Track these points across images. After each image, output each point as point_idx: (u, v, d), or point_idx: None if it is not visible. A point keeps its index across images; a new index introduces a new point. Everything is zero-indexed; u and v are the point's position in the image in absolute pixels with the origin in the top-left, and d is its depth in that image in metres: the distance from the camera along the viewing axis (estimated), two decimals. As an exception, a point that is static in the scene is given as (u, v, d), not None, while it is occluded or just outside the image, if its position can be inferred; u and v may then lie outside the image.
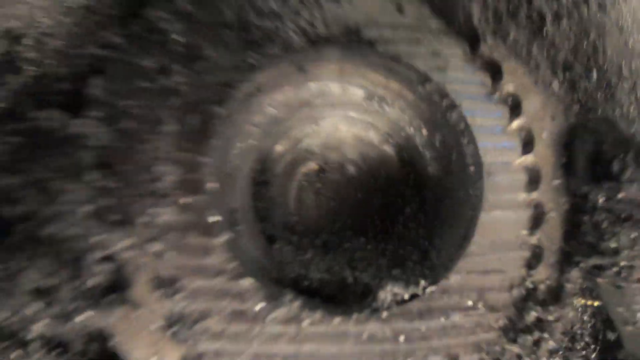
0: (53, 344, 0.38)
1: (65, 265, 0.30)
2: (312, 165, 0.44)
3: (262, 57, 0.33)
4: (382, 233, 0.42)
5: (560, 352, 0.45)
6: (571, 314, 0.41)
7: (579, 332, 0.47)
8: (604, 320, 0.46)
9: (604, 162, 0.40)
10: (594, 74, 0.45)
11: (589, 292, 0.45)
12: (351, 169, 0.44)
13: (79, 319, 0.31)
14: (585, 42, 0.52)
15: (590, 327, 0.47)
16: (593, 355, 0.46)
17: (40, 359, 0.37)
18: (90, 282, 0.30)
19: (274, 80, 0.36)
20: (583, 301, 0.46)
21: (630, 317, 0.42)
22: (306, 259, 0.39)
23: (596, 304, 0.46)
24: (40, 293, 0.31)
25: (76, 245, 0.30)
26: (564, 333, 0.47)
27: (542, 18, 0.53)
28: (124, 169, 0.32)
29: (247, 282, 0.32)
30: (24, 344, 0.38)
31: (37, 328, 0.32)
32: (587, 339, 0.47)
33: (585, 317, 0.47)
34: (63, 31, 0.47)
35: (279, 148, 0.42)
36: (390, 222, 0.43)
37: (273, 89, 0.37)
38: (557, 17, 0.54)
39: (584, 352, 0.46)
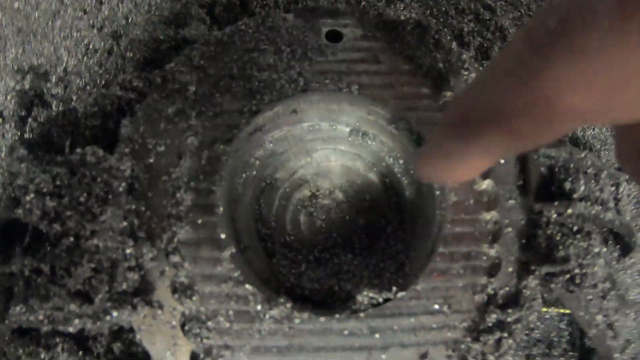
0: (79, 345, 0.43)
1: (101, 272, 0.37)
2: (306, 192, 0.49)
3: (262, 103, 0.40)
4: (366, 249, 0.47)
5: (522, 352, 0.50)
6: (532, 317, 0.44)
7: (555, 339, 0.51)
8: (580, 328, 0.49)
9: (557, 183, 0.45)
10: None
11: (559, 301, 0.49)
12: (340, 194, 0.50)
13: (110, 317, 0.36)
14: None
15: (567, 335, 0.51)
16: (571, 361, 0.50)
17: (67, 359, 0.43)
18: (121, 287, 0.37)
19: (272, 121, 0.43)
20: (556, 310, 0.50)
21: (592, 320, 0.45)
22: (300, 272, 0.44)
23: (567, 311, 0.50)
24: (78, 295, 0.37)
25: (111, 255, 0.36)
26: (539, 341, 0.52)
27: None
28: (150, 195, 0.38)
29: (249, 288, 0.37)
30: (52, 346, 0.44)
31: (74, 325, 0.37)
32: (564, 345, 0.51)
33: (562, 325, 0.51)
34: (87, 71, 0.53)
35: (276, 177, 0.47)
36: (374, 239, 0.49)
37: (272, 129, 0.44)
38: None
39: (562, 359, 0.51)
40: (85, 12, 0.55)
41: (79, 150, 0.40)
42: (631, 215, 0.55)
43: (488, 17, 0.61)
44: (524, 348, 0.50)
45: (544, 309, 0.50)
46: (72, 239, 0.37)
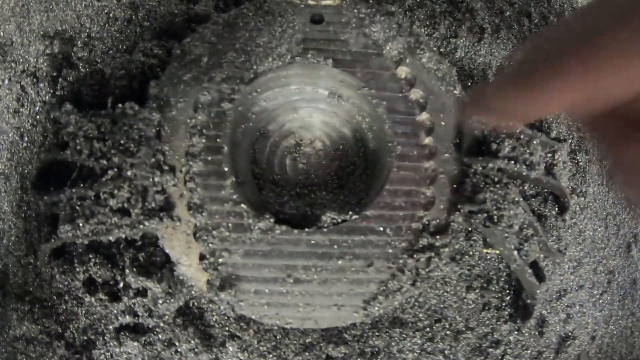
0: (108, 259, 0.51)
1: (136, 194, 0.48)
2: (292, 141, 0.56)
3: (258, 71, 0.51)
4: (336, 188, 0.56)
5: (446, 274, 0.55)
6: (457, 245, 0.52)
7: (494, 277, 0.56)
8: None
9: (486, 144, 0.52)
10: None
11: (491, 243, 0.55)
12: (319, 144, 0.56)
13: (142, 226, 0.46)
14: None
15: (505, 275, 0.57)
16: (508, 297, 0.56)
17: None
18: (151, 205, 0.47)
19: (266, 85, 0.51)
20: (492, 250, 0.56)
21: (510, 256, 0.51)
22: (283, 202, 0.54)
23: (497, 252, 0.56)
24: (119, 211, 0.47)
25: (144, 182, 0.46)
26: (479, 276, 0.56)
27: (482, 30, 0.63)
28: (172, 138, 0.49)
29: (243, 207, 0.47)
30: (86, 261, 0.51)
31: (115, 234, 0.47)
32: (502, 284, 0.56)
33: (501, 266, 0.57)
34: (109, 37, 0.57)
35: (268, 128, 0.55)
36: (344, 180, 0.56)
37: (265, 90, 0.52)
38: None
39: (500, 294, 0.56)
40: (104, -18, 0.58)
41: (120, 105, 0.51)
42: (570, 180, 0.59)
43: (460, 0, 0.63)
44: (465, 280, 0.55)
45: (485, 250, 0.55)
46: (116, 170, 0.48)
